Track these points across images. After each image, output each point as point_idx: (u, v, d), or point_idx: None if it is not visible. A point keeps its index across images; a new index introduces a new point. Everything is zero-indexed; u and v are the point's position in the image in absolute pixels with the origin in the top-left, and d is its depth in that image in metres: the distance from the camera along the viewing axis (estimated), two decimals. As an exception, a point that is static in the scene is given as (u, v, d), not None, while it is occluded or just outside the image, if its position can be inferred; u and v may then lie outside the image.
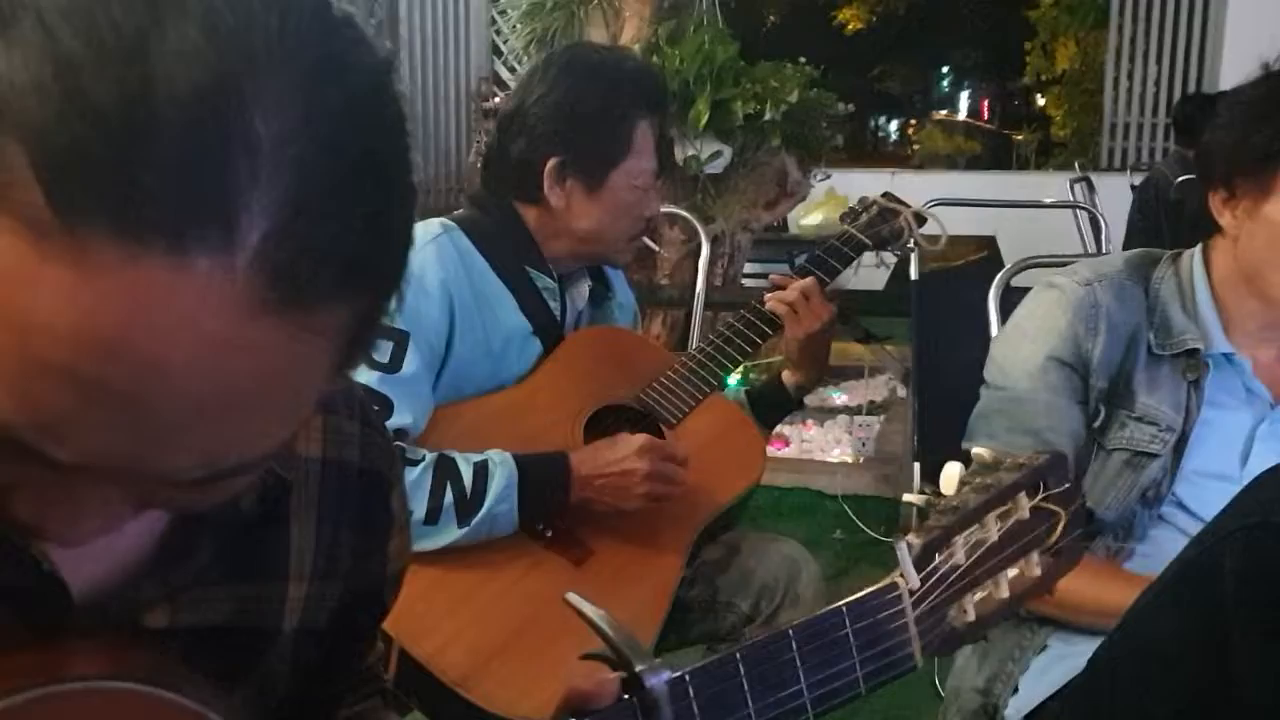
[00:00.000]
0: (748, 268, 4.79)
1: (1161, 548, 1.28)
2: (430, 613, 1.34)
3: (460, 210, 1.58)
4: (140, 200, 0.39)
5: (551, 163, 1.51)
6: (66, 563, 0.55)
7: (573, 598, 0.64)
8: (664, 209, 2.66)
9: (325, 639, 0.67)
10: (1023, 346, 1.37)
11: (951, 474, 0.73)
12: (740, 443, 1.59)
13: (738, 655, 0.62)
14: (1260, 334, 1.35)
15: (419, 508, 1.33)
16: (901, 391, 4.63)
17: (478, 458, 1.39)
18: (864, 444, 4.00)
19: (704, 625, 1.59)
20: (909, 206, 1.76)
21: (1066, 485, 0.75)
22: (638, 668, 0.59)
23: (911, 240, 1.73)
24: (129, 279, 0.40)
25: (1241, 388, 1.35)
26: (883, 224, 1.71)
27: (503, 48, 6.85)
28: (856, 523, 3.37)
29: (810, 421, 4.23)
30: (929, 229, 1.75)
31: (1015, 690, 1.33)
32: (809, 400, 4.68)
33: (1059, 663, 1.29)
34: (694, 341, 2.63)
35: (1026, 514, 0.73)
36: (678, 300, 3.67)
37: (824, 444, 4.08)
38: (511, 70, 6.45)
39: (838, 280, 1.67)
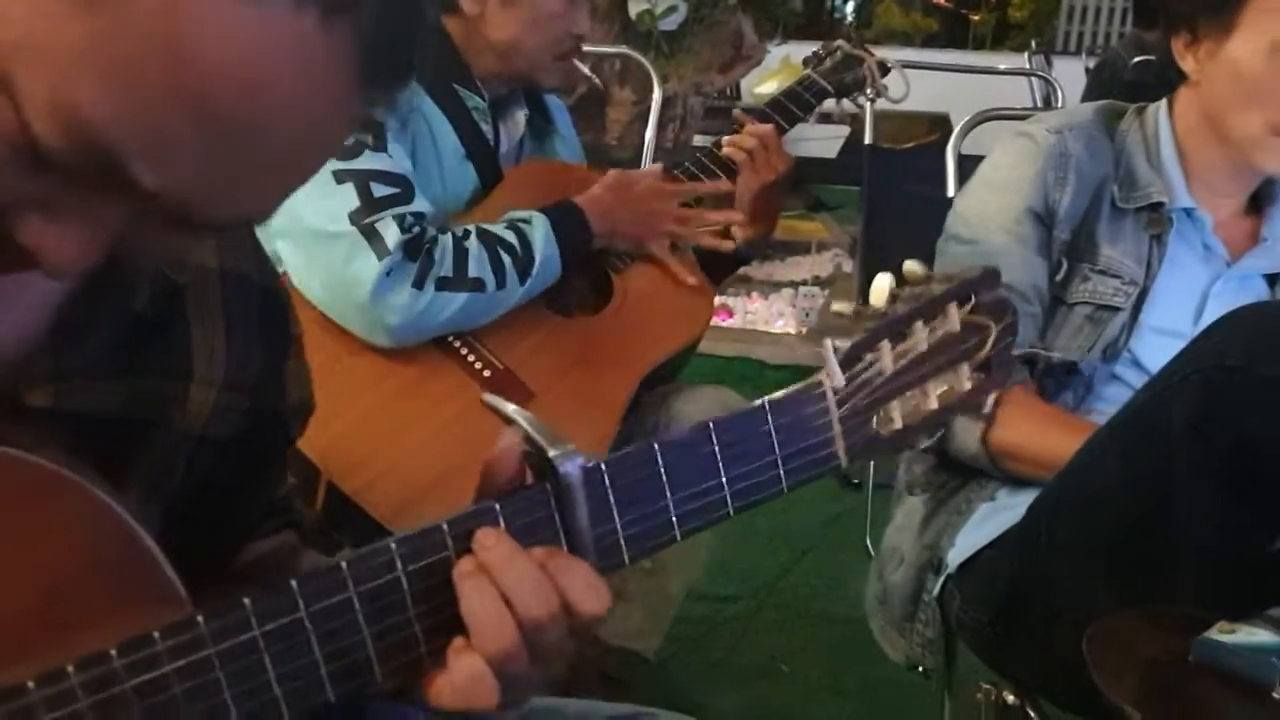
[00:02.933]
0: (697, 139, 4.68)
1: (1117, 405, 1.28)
2: (361, 448, 1.30)
3: None
4: None
5: None
6: None
7: (489, 397, 0.62)
8: (616, 50, 2.54)
9: (229, 454, 0.65)
10: (993, 198, 1.34)
11: (881, 285, 0.72)
12: (688, 291, 1.55)
13: (655, 446, 0.60)
14: (1222, 187, 1.34)
15: (487, 276, 1.34)
16: (846, 266, 4.62)
17: (506, 220, 1.41)
18: (807, 315, 4.00)
19: None
20: (873, 55, 1.70)
21: (998, 298, 0.73)
22: (551, 453, 0.57)
23: (873, 90, 1.67)
24: (292, 29, 0.44)
25: (1200, 244, 1.34)
26: (846, 70, 1.66)
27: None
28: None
29: (755, 294, 4.22)
30: (893, 89, 1.70)
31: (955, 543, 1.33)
32: (755, 274, 4.68)
33: (997, 513, 1.29)
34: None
35: (957, 326, 0.71)
36: (627, 163, 3.56)
37: (768, 316, 4.07)
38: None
39: (791, 148, 1.61)
